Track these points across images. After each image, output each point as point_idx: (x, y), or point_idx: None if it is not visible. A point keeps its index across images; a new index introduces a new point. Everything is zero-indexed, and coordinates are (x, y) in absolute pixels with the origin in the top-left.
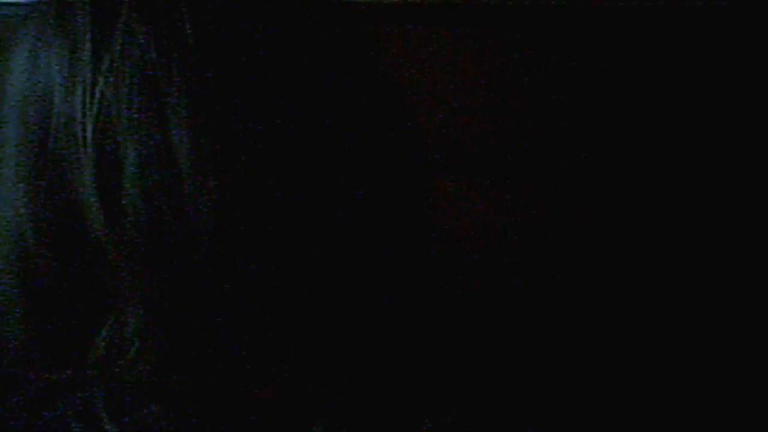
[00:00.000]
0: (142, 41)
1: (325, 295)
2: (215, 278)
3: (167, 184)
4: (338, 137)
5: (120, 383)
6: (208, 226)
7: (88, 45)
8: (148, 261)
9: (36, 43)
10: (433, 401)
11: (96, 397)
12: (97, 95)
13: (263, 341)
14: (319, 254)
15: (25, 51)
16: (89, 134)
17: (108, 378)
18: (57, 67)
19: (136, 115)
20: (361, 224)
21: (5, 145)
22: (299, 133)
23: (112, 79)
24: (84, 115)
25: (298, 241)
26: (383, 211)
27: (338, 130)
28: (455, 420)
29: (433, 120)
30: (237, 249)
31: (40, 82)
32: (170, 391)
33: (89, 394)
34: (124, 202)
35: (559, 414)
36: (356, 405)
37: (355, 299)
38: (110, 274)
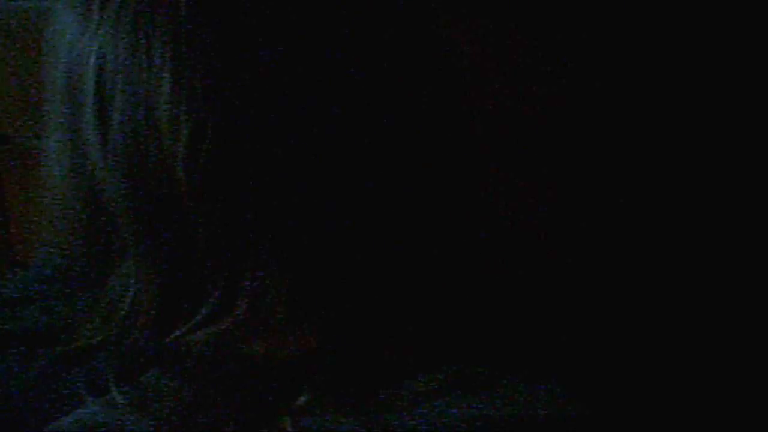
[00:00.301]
0: None
1: (320, 245)
2: (198, 219)
3: (147, 124)
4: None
5: (125, 347)
6: (182, 169)
7: (97, 2)
8: (135, 198)
9: (65, 7)
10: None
11: (105, 366)
12: (99, 41)
13: (254, 292)
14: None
15: (59, 15)
16: (91, 75)
17: (113, 340)
18: (76, 23)
19: (125, 60)
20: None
21: (53, 92)
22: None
23: (111, 28)
24: (88, 58)
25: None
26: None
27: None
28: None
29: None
30: (213, 193)
31: (66, 35)
32: (168, 351)
33: (98, 363)
34: (109, 139)
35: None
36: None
37: (349, 251)
38: (112, 222)
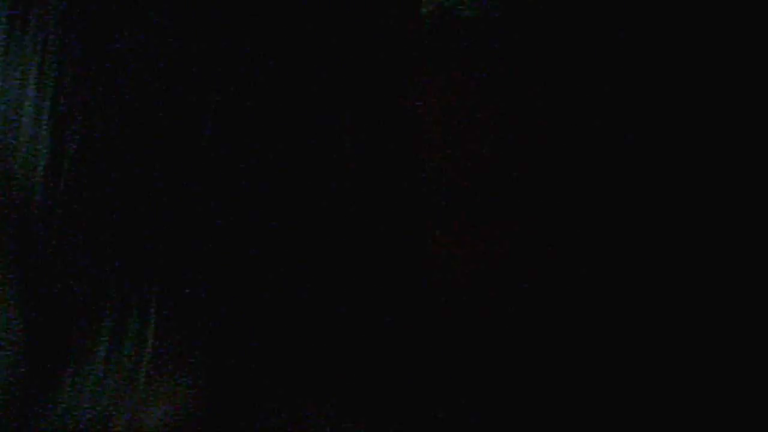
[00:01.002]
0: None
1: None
2: (55, 250)
3: (9, 139)
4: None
5: None
6: (40, 190)
7: None
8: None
9: None
10: None
11: None
12: None
13: (115, 343)
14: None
15: None
16: None
17: None
18: None
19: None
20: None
21: None
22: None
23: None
24: None
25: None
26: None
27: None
28: None
29: (435, 154)
30: (72, 218)
31: None
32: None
33: None
34: None
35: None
36: None
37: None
38: None
